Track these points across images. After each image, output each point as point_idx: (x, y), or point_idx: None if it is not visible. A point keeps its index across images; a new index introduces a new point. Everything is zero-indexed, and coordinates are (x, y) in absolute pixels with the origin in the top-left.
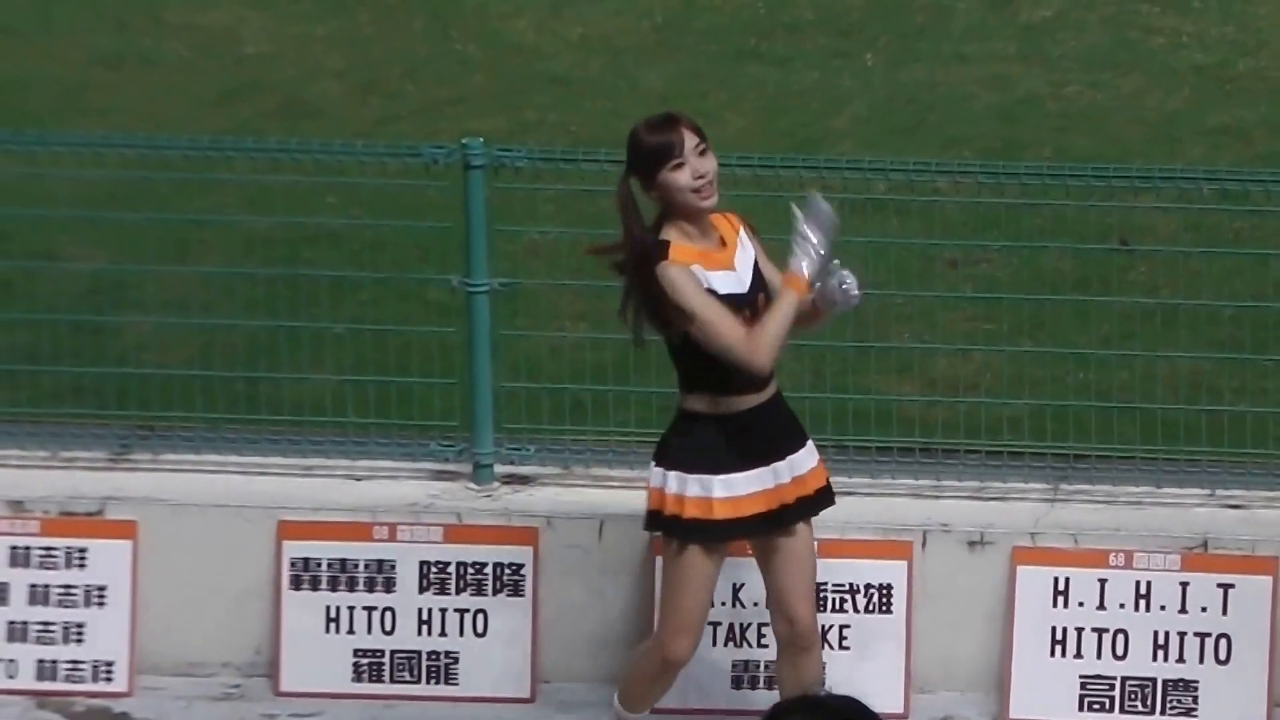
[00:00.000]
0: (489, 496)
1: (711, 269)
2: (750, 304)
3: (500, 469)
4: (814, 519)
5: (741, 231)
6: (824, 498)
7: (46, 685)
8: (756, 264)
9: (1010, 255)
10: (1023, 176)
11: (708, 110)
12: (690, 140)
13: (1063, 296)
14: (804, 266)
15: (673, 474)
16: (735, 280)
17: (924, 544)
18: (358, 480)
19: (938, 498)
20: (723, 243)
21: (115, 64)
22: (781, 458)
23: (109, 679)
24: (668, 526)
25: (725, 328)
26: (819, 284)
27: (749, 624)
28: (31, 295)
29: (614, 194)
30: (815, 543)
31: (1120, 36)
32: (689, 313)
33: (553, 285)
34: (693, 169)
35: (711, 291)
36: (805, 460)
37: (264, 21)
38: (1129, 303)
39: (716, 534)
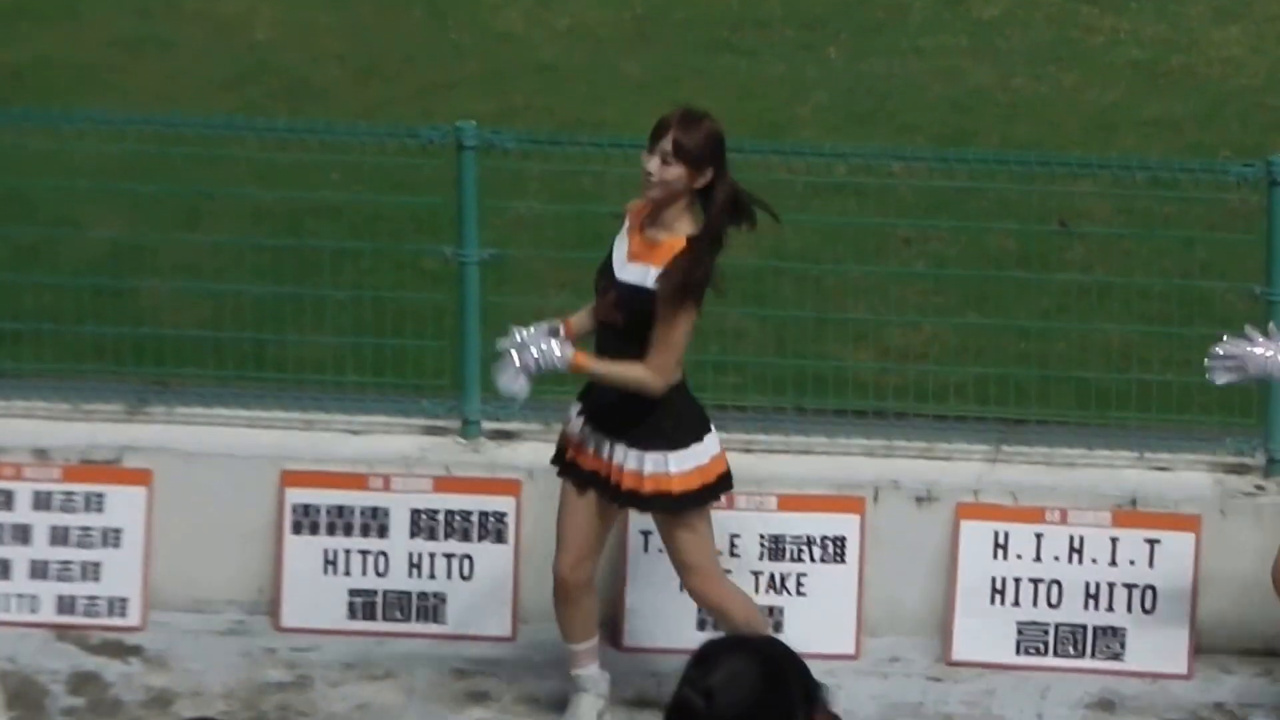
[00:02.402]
0: (476, 450)
1: (626, 239)
2: (605, 286)
3: (486, 425)
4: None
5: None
6: (656, 501)
7: (66, 619)
8: (646, 291)
9: (958, 234)
10: (971, 162)
11: (682, 97)
12: (667, 144)
13: (1006, 273)
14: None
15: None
16: (620, 265)
17: (875, 499)
18: (355, 434)
19: (889, 457)
20: (653, 248)
21: (135, 47)
22: (609, 435)
23: (123, 614)
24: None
25: None
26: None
27: None
28: (55, 260)
29: None
30: (686, 532)
31: (1063, 34)
32: None
33: (537, 256)
34: (647, 161)
35: (606, 260)
36: (632, 460)
37: (273, 10)
38: (1067, 279)
39: (561, 466)
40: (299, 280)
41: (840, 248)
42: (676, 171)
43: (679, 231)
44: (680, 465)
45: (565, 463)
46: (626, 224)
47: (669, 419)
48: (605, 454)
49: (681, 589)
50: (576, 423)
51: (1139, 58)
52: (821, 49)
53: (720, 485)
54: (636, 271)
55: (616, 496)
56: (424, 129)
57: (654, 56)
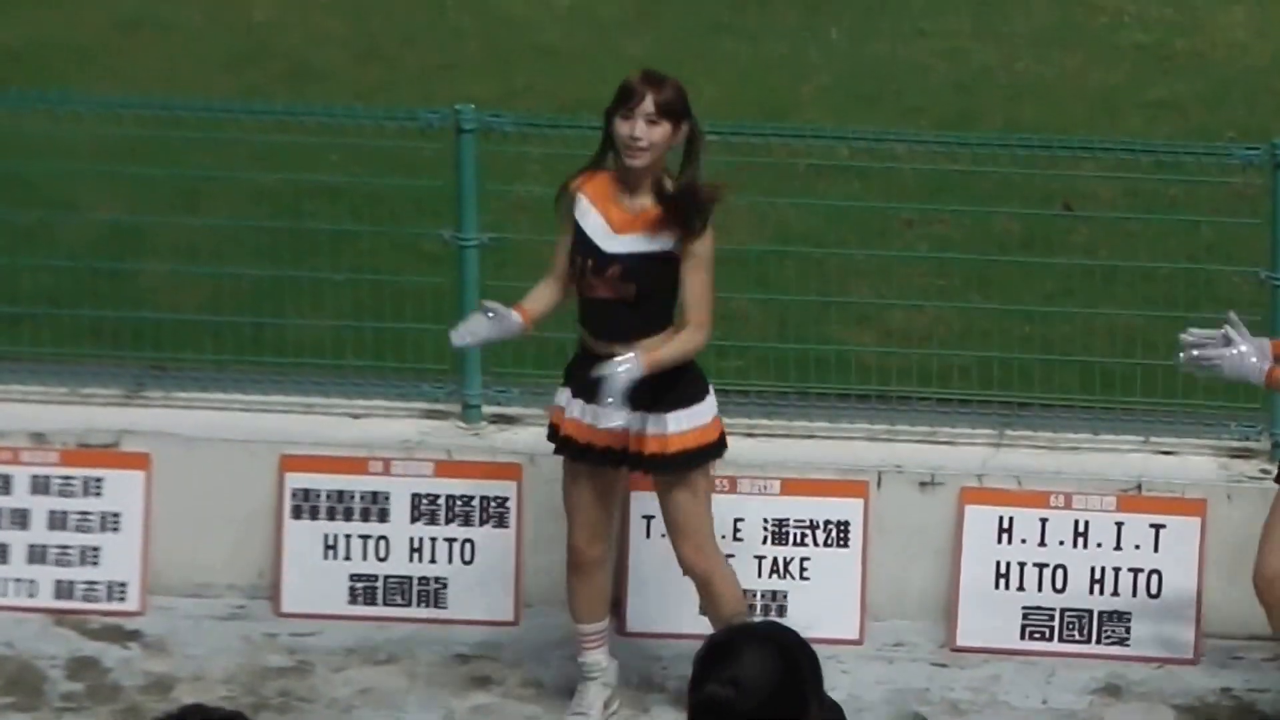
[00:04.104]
0: (476, 435)
1: (600, 212)
2: (596, 261)
3: (487, 409)
4: (699, 474)
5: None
6: (654, 462)
7: (64, 604)
8: (656, 255)
9: (962, 217)
10: (974, 145)
11: (684, 79)
12: (648, 104)
13: (1010, 256)
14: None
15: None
16: (607, 238)
17: (879, 483)
18: (355, 418)
19: (892, 441)
20: (642, 215)
21: (133, 29)
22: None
23: (122, 599)
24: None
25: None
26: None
27: None
28: (54, 242)
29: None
30: (690, 495)
31: (1067, 16)
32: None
33: (538, 240)
34: (632, 128)
35: (577, 226)
36: (653, 424)
37: None
38: (1071, 262)
39: (557, 445)
40: (298, 263)
41: (843, 230)
42: (662, 131)
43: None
44: (690, 422)
45: (563, 440)
46: (585, 200)
47: (685, 376)
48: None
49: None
50: (576, 404)
51: (1143, 40)
52: (824, 30)
53: (719, 446)
54: (637, 240)
55: (638, 464)
56: (423, 111)
57: (656, 38)
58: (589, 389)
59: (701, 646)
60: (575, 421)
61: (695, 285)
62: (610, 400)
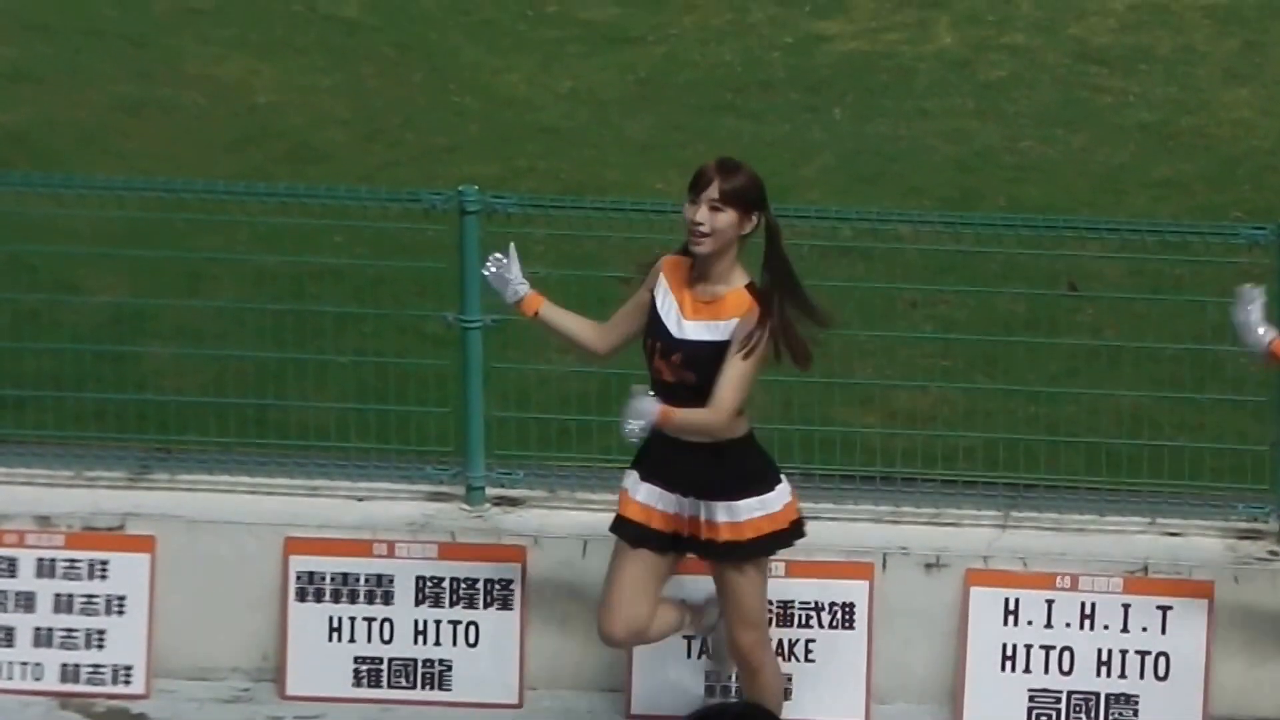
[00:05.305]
0: (480, 517)
1: (675, 297)
2: (664, 345)
3: (491, 491)
4: (764, 563)
5: (740, 320)
6: (733, 549)
7: (69, 687)
8: (719, 345)
9: (966, 297)
10: (978, 225)
11: (687, 159)
12: (713, 190)
13: (1015, 336)
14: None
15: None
16: (678, 324)
17: (884, 565)
18: (359, 500)
19: (897, 522)
20: (712, 303)
21: (136, 111)
22: (690, 495)
23: (128, 682)
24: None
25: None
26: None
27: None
28: (57, 325)
29: None
30: (754, 582)
31: (1071, 95)
32: None
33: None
34: (695, 213)
35: (653, 305)
36: (723, 512)
37: (275, 73)
38: (1076, 343)
39: (623, 531)
40: (301, 345)
41: (847, 311)
42: (728, 218)
43: (734, 282)
44: (762, 510)
45: (620, 521)
46: (665, 283)
47: (755, 464)
48: (688, 511)
49: (699, 655)
50: (646, 488)
51: (1148, 119)
52: (826, 111)
53: (790, 535)
54: (702, 328)
55: (701, 550)
56: (426, 193)
57: (657, 119)
58: (662, 472)
59: None
60: (641, 505)
61: (732, 369)
62: (630, 426)
